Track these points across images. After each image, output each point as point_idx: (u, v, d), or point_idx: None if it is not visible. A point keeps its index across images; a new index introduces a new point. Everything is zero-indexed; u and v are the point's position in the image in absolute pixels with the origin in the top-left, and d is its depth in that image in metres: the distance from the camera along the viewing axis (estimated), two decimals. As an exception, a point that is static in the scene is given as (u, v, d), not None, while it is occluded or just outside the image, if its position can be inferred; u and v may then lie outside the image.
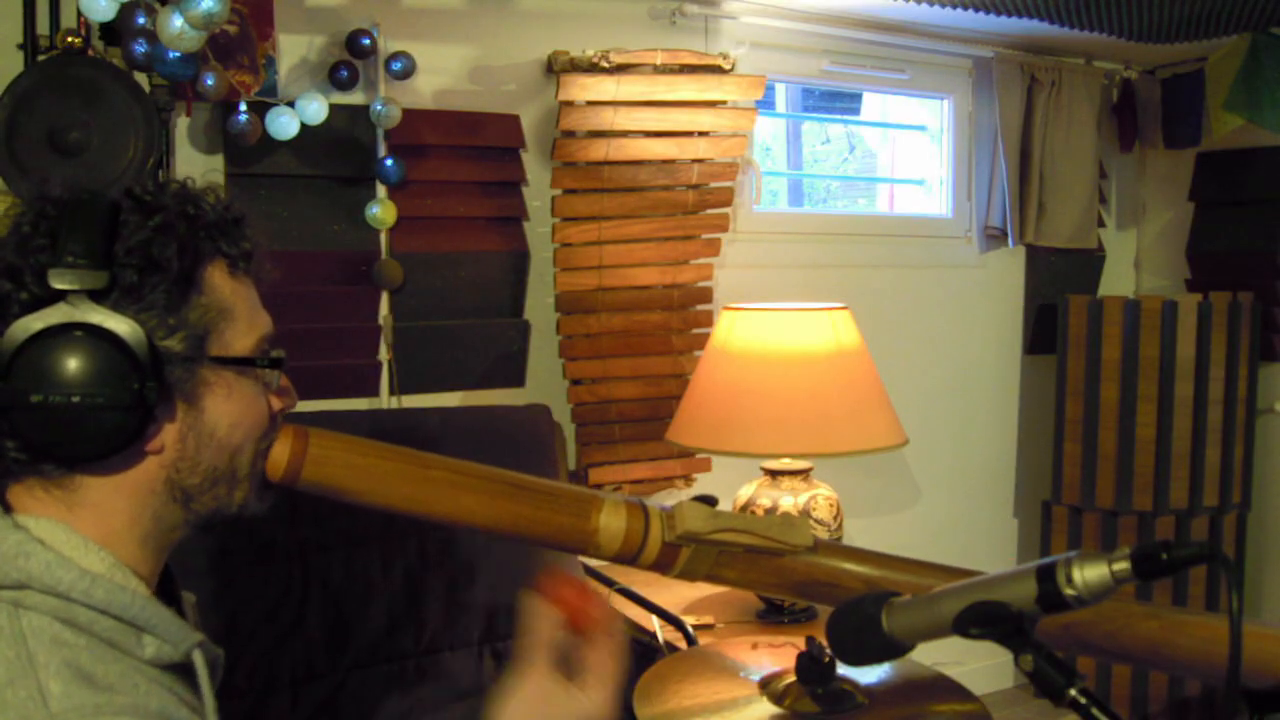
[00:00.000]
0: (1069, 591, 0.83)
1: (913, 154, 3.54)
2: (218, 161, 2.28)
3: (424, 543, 1.96)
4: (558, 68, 2.52)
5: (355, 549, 1.91)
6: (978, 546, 3.44)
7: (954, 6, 2.73)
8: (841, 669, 1.38)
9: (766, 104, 3.11)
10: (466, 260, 2.53)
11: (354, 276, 2.41)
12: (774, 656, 1.51)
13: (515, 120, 2.56)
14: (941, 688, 1.44)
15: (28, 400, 0.84)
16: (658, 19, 2.74)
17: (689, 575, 1.14)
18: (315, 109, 2.23)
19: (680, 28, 2.76)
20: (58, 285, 0.85)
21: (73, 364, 0.84)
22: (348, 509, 1.09)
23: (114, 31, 2.01)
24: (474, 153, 2.52)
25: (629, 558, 1.12)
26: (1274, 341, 3.26)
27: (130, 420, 0.86)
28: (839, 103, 4.34)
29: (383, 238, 2.43)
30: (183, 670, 0.91)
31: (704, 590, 2.38)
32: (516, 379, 2.64)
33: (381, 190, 2.42)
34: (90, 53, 2.02)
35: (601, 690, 0.98)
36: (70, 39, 1.98)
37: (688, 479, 2.82)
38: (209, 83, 2.05)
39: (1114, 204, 3.64)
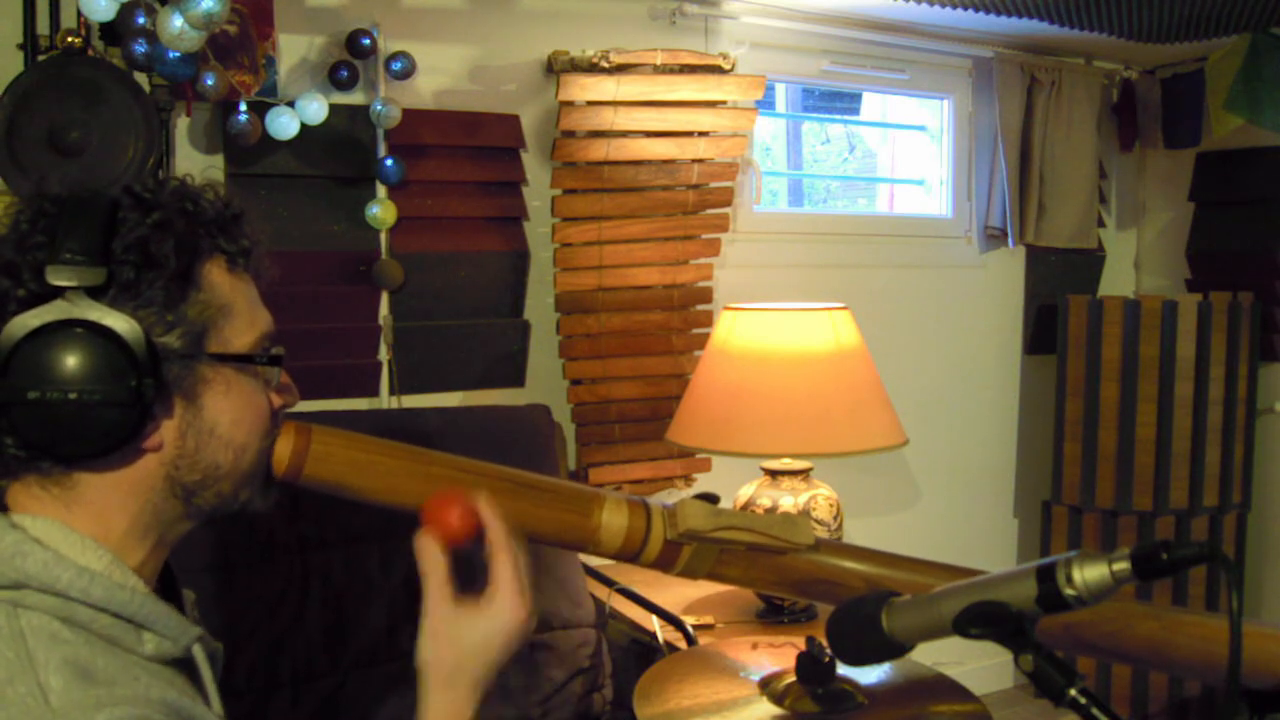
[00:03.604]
0: (1069, 591, 0.83)
1: (913, 154, 3.54)
2: (218, 161, 2.28)
3: (424, 542, 1.96)
4: (558, 68, 2.52)
5: (355, 547, 1.91)
6: (978, 546, 3.44)
7: (954, 6, 2.73)
8: (841, 669, 1.38)
9: (766, 104, 3.11)
10: (466, 260, 2.53)
11: (354, 276, 2.41)
12: (774, 656, 1.51)
13: (515, 120, 2.56)
14: (941, 688, 1.44)
15: (25, 397, 0.84)
16: (658, 19, 2.74)
17: (690, 573, 1.14)
18: (315, 109, 2.23)
19: (680, 28, 2.76)
20: (55, 282, 0.85)
21: (70, 361, 0.84)
22: (348, 507, 1.09)
23: (114, 31, 2.01)
24: (474, 153, 2.52)
25: (631, 555, 1.12)
26: (1274, 341, 3.26)
27: (128, 417, 0.86)
28: (839, 103, 4.34)
29: (383, 238, 2.43)
30: (184, 665, 0.91)
31: (704, 590, 2.38)
32: (516, 379, 2.63)
33: (381, 190, 2.41)
34: (90, 53, 2.02)
35: (510, 596, 0.98)
36: (70, 39, 1.98)
37: (688, 479, 2.82)
38: (209, 83, 2.05)
39: (1114, 204, 3.64)
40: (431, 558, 0.99)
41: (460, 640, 0.97)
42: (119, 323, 0.86)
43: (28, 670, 0.80)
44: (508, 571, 0.98)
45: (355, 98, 2.38)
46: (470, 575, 1.00)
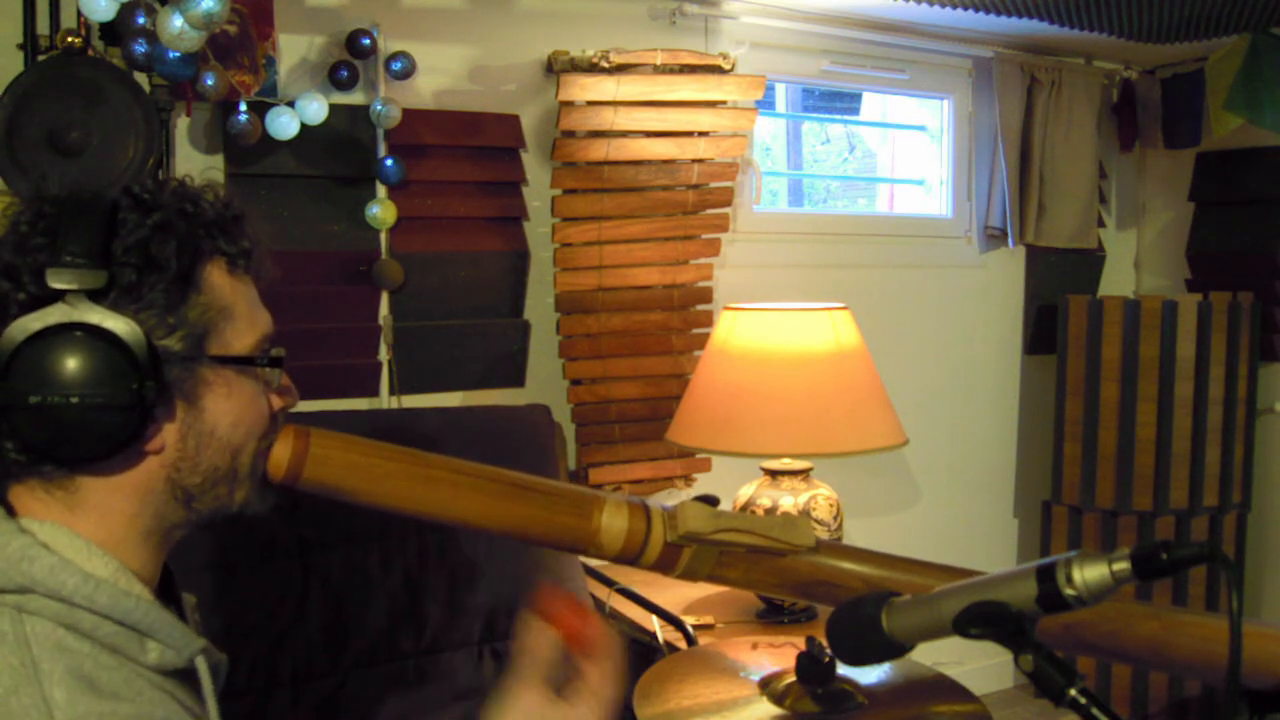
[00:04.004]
0: (1069, 591, 0.83)
1: (913, 154, 3.54)
2: (218, 161, 2.28)
3: (424, 543, 1.96)
4: (558, 68, 2.52)
5: (355, 548, 1.91)
6: (978, 546, 3.44)
7: (954, 6, 2.73)
8: (841, 669, 1.38)
9: (766, 104, 3.11)
10: (466, 260, 2.53)
11: (354, 276, 2.41)
12: (774, 656, 1.51)
13: (515, 120, 2.56)
14: (941, 688, 1.44)
15: (26, 401, 0.84)
16: (658, 19, 2.74)
17: (690, 575, 1.14)
18: (315, 109, 2.23)
19: (680, 28, 2.76)
20: (56, 285, 0.85)
21: (71, 364, 0.84)
22: (348, 508, 1.09)
23: (114, 31, 2.01)
24: (474, 153, 2.52)
25: (631, 558, 1.11)
26: (1274, 341, 3.26)
27: (129, 420, 0.86)
28: (839, 103, 4.34)
29: (383, 238, 2.43)
30: (186, 676, 0.91)
31: (704, 590, 2.38)
32: (516, 379, 2.63)
33: (381, 190, 2.42)
34: (90, 53, 2.02)
35: (594, 706, 0.98)
36: (70, 39, 1.98)
37: (688, 479, 2.82)
38: (209, 83, 2.05)
39: (1114, 204, 3.64)
40: (543, 643, 0.99)
41: None
42: (120, 326, 0.85)
43: (32, 681, 0.79)
44: (603, 684, 0.99)
45: (355, 98, 2.38)
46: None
